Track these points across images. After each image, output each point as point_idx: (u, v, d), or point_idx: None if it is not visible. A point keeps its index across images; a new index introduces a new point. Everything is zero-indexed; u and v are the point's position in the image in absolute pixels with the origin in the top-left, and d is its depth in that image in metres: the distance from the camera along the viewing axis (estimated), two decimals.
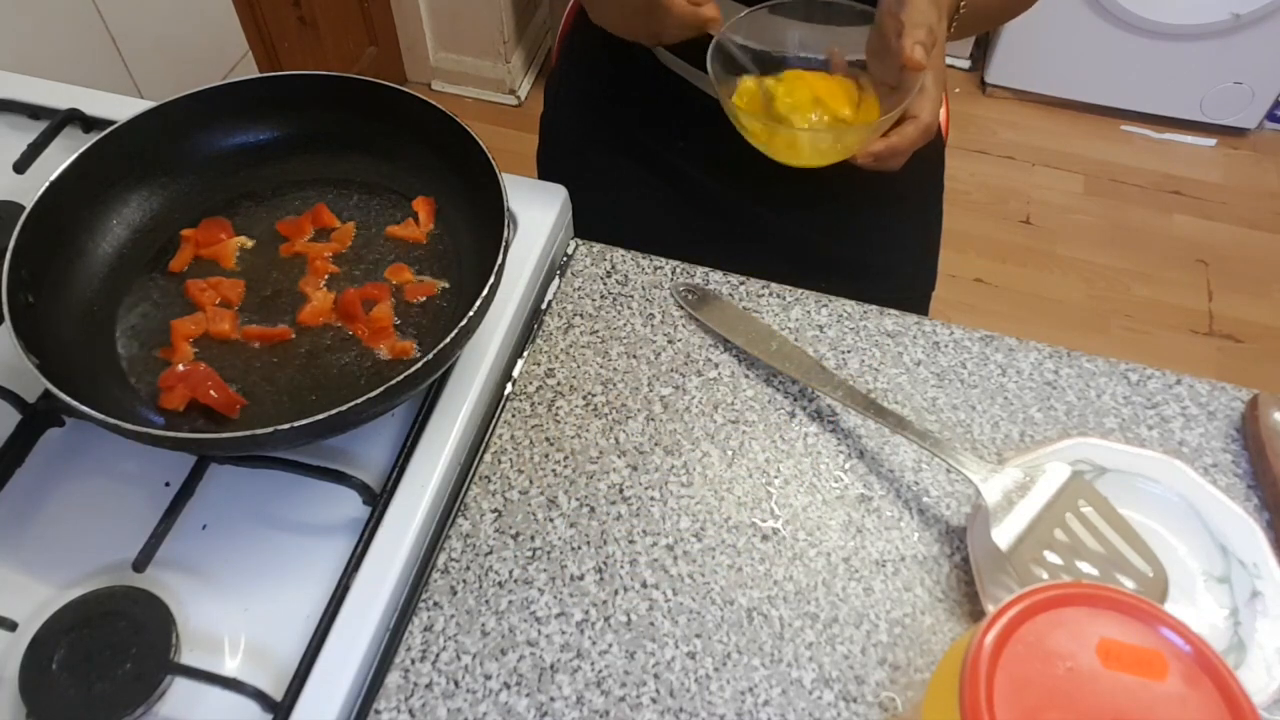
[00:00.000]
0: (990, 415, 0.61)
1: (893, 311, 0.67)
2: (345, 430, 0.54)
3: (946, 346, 0.65)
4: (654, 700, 0.50)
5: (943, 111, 0.92)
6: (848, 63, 0.67)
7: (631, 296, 0.67)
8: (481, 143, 0.59)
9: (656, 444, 0.60)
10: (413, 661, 0.51)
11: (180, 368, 0.55)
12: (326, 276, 0.61)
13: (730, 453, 0.59)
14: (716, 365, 0.64)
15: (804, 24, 0.68)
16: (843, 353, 0.64)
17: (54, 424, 0.57)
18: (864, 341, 0.65)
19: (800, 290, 0.68)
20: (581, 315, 0.66)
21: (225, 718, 0.47)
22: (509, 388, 0.62)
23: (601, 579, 0.54)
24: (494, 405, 0.61)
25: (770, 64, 0.68)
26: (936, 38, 0.60)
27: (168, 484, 0.55)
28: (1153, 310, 1.90)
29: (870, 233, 0.86)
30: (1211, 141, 2.21)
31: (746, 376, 0.63)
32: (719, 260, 0.70)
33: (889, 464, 0.59)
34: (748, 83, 0.68)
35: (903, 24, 0.59)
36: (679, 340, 0.65)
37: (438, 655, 0.51)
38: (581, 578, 0.54)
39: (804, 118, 0.65)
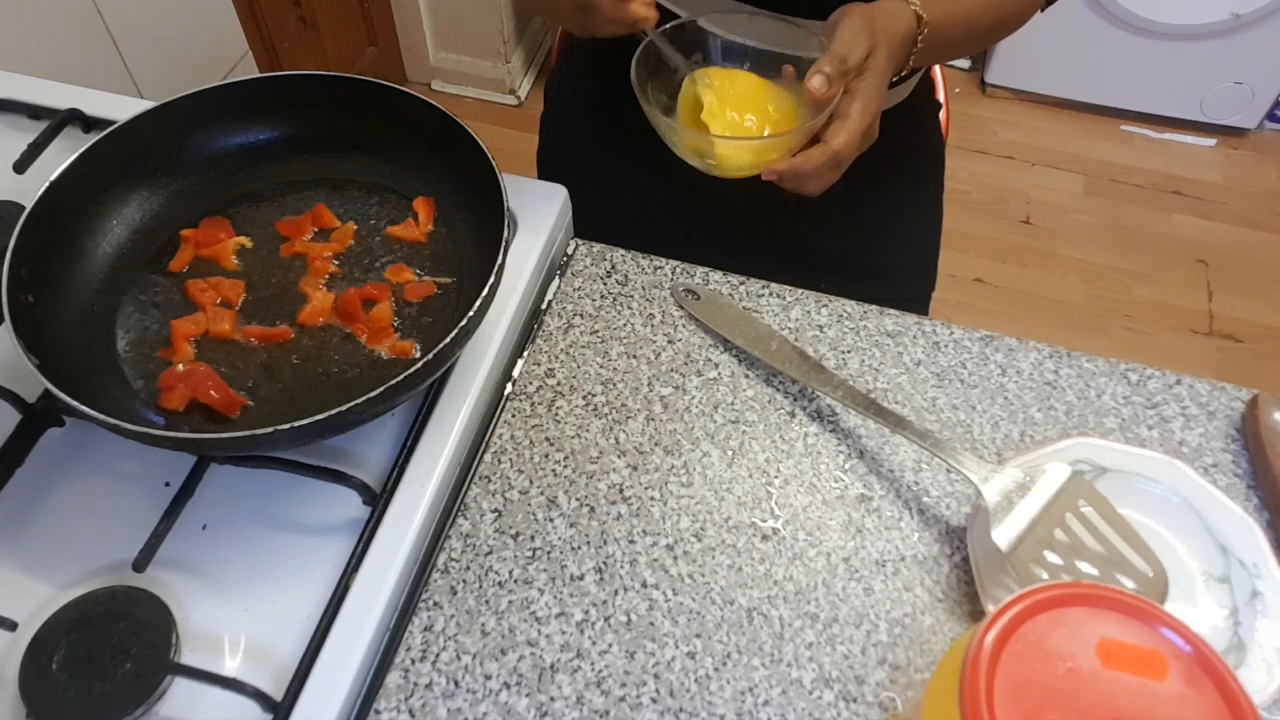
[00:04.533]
0: (990, 415, 0.61)
1: (893, 311, 0.67)
2: (345, 430, 0.54)
3: (946, 346, 0.65)
4: (654, 700, 0.50)
5: (943, 112, 0.92)
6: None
7: (631, 296, 0.67)
8: (481, 143, 0.59)
9: (656, 444, 0.60)
10: (413, 661, 0.51)
11: (180, 368, 0.55)
12: (326, 276, 0.61)
13: (730, 453, 0.59)
14: (716, 365, 0.64)
15: (745, 39, 0.67)
16: (843, 353, 0.64)
17: (54, 424, 0.57)
18: (864, 341, 0.65)
19: (800, 290, 0.68)
20: (581, 315, 0.66)
21: (225, 718, 0.47)
22: (509, 388, 0.62)
23: (601, 579, 0.54)
24: (494, 405, 0.61)
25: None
26: (853, 68, 0.59)
27: (168, 484, 0.55)
28: (1153, 310, 1.90)
29: (870, 233, 0.86)
30: (1211, 141, 2.21)
31: (746, 376, 0.63)
32: (719, 260, 0.70)
33: (889, 464, 0.59)
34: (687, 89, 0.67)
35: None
36: (679, 340, 0.65)
37: (438, 655, 0.51)
38: (581, 578, 0.54)
39: (722, 123, 0.64)
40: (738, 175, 0.64)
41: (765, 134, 0.63)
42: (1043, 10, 0.73)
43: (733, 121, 0.64)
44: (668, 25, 0.65)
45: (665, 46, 0.65)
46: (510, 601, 0.53)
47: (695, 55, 0.67)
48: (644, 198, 0.86)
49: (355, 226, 0.63)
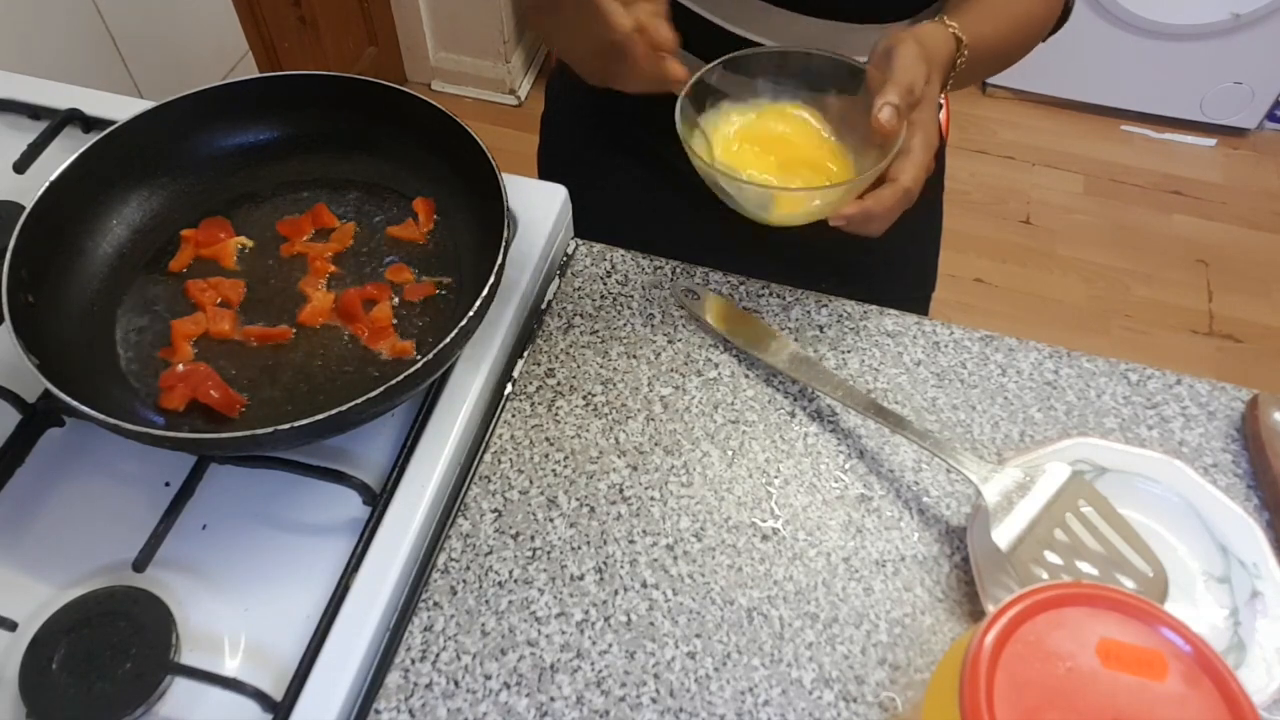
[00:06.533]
0: (990, 415, 0.61)
1: (893, 311, 0.67)
2: (345, 430, 0.54)
3: (946, 346, 0.65)
4: (654, 700, 0.50)
5: (942, 112, 0.92)
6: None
7: (631, 296, 0.67)
8: (482, 143, 0.59)
9: (656, 444, 0.60)
10: (413, 661, 0.51)
11: (180, 368, 0.55)
12: (326, 276, 0.61)
13: (730, 453, 0.59)
14: (716, 365, 0.64)
15: (779, 76, 0.63)
16: (843, 353, 0.64)
17: (54, 424, 0.57)
18: (864, 341, 0.65)
19: (800, 290, 0.68)
20: (581, 315, 0.66)
21: (225, 718, 0.47)
22: (509, 388, 0.62)
23: (601, 579, 0.54)
24: (494, 405, 0.61)
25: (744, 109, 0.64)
26: (919, 98, 0.55)
27: (168, 484, 0.55)
28: (1153, 310, 1.90)
29: None
30: (1211, 141, 2.21)
31: (746, 376, 0.63)
32: (719, 260, 0.70)
33: (889, 464, 0.59)
34: (720, 129, 0.63)
35: (883, 81, 0.55)
36: (679, 340, 0.65)
37: (438, 655, 0.51)
38: (581, 578, 0.54)
39: (771, 171, 0.61)
40: (798, 224, 0.60)
41: (838, 181, 0.59)
42: (1055, 31, 0.72)
43: (788, 169, 0.61)
44: (711, 65, 0.61)
45: (706, 90, 0.61)
46: (510, 601, 0.53)
47: (721, 100, 0.63)
48: (644, 198, 0.86)
49: (355, 226, 0.63)
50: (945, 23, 0.61)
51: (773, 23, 0.70)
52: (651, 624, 0.52)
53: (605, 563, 0.54)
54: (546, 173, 0.95)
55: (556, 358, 0.64)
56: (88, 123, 0.72)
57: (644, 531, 0.56)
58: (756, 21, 0.70)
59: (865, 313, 0.67)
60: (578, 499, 0.57)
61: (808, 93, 0.63)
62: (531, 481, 0.58)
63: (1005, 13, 0.66)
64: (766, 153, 0.62)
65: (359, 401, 0.48)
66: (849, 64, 0.61)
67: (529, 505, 0.57)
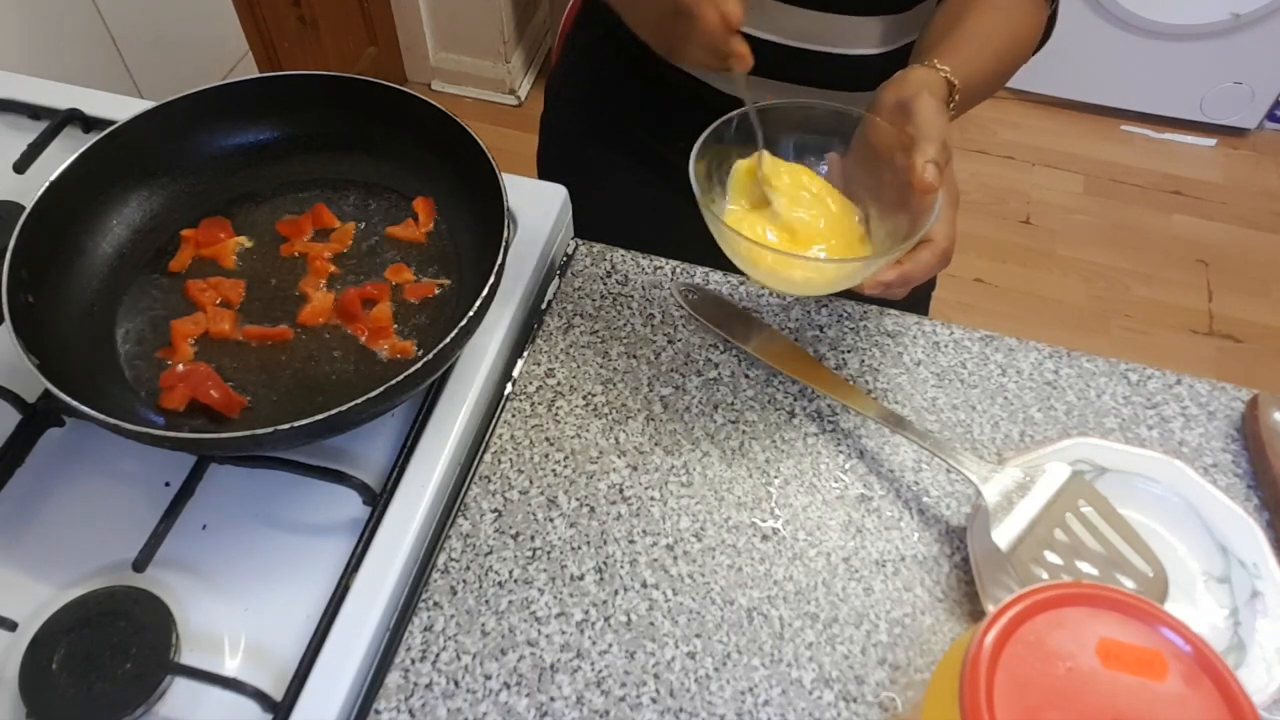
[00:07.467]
0: (990, 415, 0.61)
1: (893, 311, 0.67)
2: (345, 430, 0.54)
3: (946, 346, 0.65)
4: (654, 700, 0.50)
5: None
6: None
7: (631, 296, 0.67)
8: (481, 143, 0.59)
9: (656, 444, 0.60)
10: (413, 661, 0.51)
11: (180, 368, 0.56)
12: (326, 276, 0.61)
13: (730, 453, 0.59)
14: (716, 365, 0.64)
15: (802, 131, 0.61)
16: (843, 353, 0.64)
17: (54, 424, 0.57)
18: (864, 341, 0.65)
19: None
20: (581, 315, 0.66)
21: (225, 718, 0.47)
22: (509, 388, 0.62)
23: (601, 579, 0.54)
24: (494, 405, 0.61)
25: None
26: (950, 151, 0.53)
27: (168, 484, 0.55)
28: (1153, 310, 1.90)
29: None
30: (1211, 141, 2.21)
31: (746, 376, 0.63)
32: (719, 260, 0.70)
33: (889, 464, 0.59)
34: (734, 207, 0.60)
35: (911, 138, 0.52)
36: (679, 340, 0.65)
37: (438, 655, 0.51)
38: (581, 578, 0.54)
39: (801, 239, 0.57)
40: (826, 292, 0.57)
41: (880, 252, 0.56)
42: (1037, 49, 0.72)
43: (811, 230, 0.57)
44: (736, 112, 0.57)
45: (750, 126, 0.57)
46: (510, 601, 0.53)
47: (732, 159, 0.59)
48: (644, 197, 0.86)
49: (355, 226, 0.63)
50: (937, 67, 0.59)
51: (767, 14, 0.70)
52: (651, 624, 0.52)
53: (605, 563, 0.54)
54: (546, 173, 0.95)
55: (556, 358, 0.64)
56: (88, 123, 0.72)
57: (644, 531, 0.56)
58: (749, 13, 0.70)
59: (865, 313, 0.67)
60: (578, 499, 0.57)
61: (809, 149, 0.61)
62: (531, 481, 0.58)
63: (990, 46, 0.65)
64: (792, 215, 0.58)
65: (359, 401, 0.48)
66: (849, 116, 0.58)
67: (529, 505, 0.57)
